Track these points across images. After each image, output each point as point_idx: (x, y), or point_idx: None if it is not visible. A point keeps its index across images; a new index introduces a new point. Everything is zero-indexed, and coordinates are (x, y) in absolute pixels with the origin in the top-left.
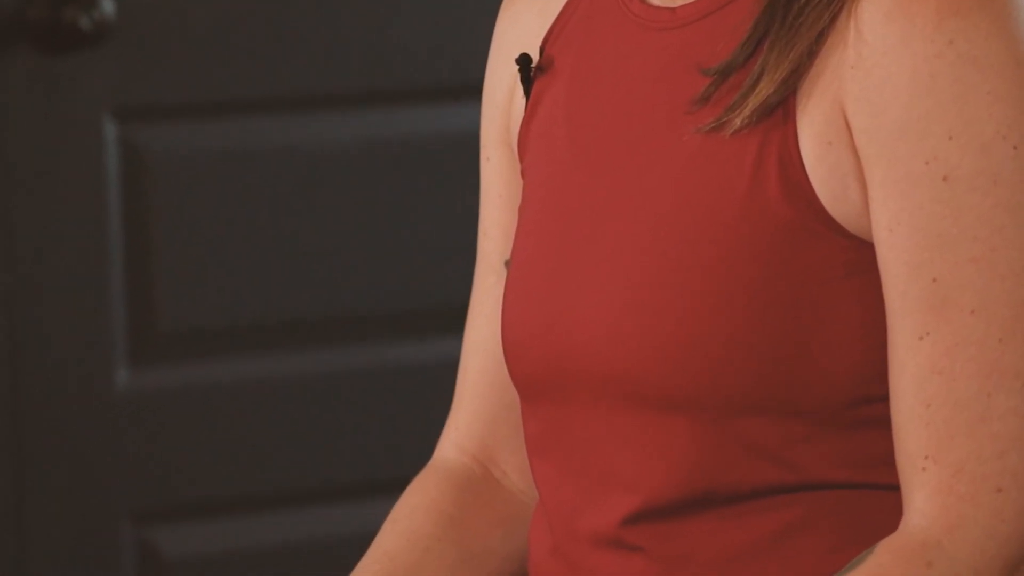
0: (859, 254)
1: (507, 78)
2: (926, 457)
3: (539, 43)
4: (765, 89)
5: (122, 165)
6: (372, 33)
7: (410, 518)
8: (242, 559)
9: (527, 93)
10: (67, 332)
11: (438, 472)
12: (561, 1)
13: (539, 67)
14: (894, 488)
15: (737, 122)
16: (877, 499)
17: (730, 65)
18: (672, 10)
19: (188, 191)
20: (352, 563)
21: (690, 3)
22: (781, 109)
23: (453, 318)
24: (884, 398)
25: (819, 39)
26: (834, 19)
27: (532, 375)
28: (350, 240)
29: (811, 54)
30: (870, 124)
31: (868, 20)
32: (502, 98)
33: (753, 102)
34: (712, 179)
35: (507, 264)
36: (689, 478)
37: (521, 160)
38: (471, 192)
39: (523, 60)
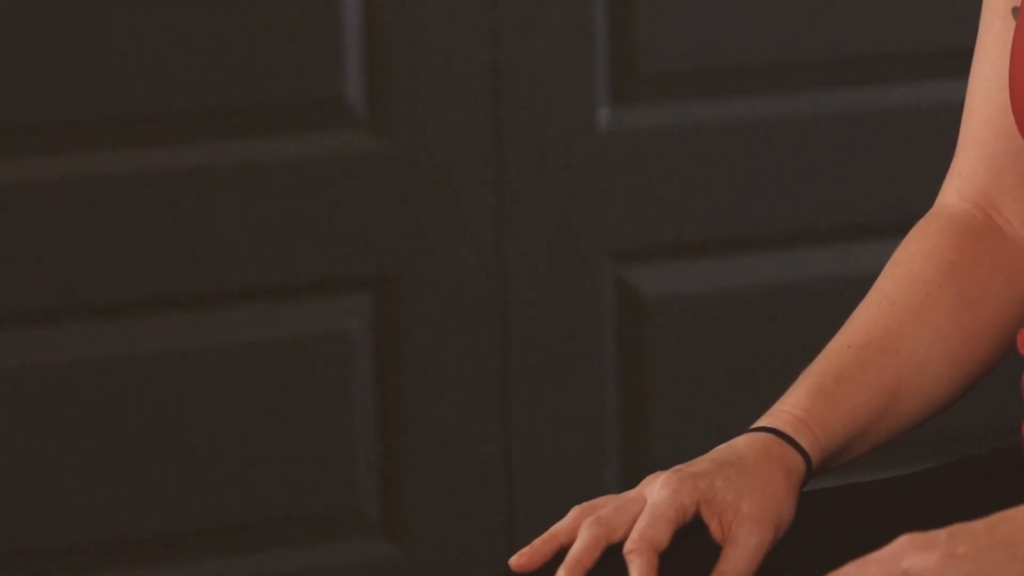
0: None
1: None
2: None
3: None
4: None
5: None
6: None
7: (911, 262)
8: (722, 300)
9: None
10: (550, 71)
11: (940, 218)
12: None
13: None
14: None
15: None
16: None
17: None
18: None
19: None
20: (844, 305)
21: None
22: None
23: (956, 61)
24: None
25: None
26: None
27: None
28: None
29: None
30: None
31: None
32: None
33: None
34: None
35: (1015, 11)
36: None
37: None
38: None
39: None
